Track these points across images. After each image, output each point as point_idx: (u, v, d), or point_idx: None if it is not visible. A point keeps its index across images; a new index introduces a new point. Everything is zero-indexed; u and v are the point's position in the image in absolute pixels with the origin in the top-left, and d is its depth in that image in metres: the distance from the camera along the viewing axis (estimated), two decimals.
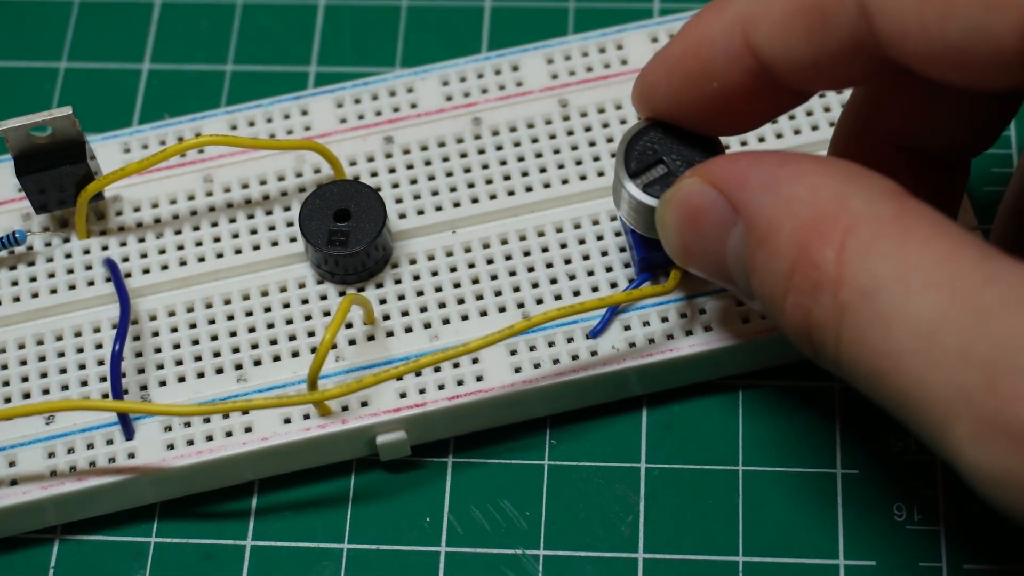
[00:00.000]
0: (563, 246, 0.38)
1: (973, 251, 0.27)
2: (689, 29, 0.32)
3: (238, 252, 0.38)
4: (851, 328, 0.27)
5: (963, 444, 0.26)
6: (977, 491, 0.26)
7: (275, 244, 0.38)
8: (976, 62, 0.27)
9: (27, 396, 0.37)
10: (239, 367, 0.37)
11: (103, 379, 0.37)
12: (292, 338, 0.37)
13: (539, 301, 0.37)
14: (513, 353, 0.36)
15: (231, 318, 0.37)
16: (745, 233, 0.30)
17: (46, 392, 0.37)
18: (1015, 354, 0.25)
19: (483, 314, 0.37)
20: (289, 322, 0.37)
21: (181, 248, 0.38)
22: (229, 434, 0.36)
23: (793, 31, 0.30)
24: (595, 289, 0.37)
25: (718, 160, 0.31)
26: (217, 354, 0.37)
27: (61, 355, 0.37)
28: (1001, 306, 0.26)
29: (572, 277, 0.37)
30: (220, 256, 0.38)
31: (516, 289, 0.37)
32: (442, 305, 0.37)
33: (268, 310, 0.37)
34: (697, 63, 0.32)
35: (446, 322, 0.37)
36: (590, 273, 0.37)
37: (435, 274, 0.38)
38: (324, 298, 0.38)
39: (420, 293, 0.37)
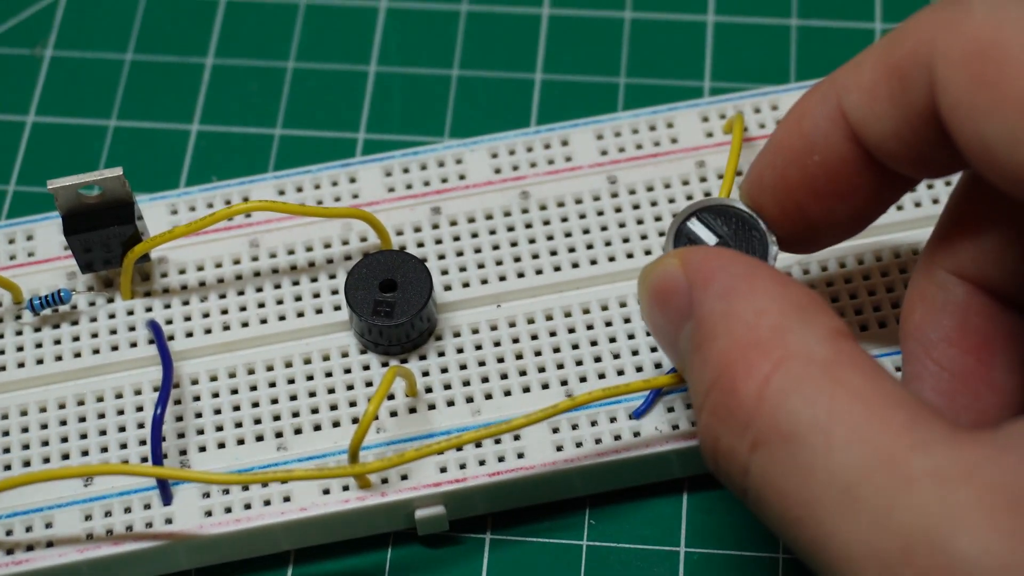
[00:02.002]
0: (608, 324, 0.38)
1: (904, 412, 0.26)
2: (791, 109, 0.32)
3: (282, 319, 0.38)
4: (762, 467, 0.27)
5: None
6: None
7: (319, 312, 0.38)
8: (1005, 169, 0.27)
9: (66, 457, 0.37)
10: (279, 435, 0.37)
11: (143, 442, 0.37)
12: (334, 407, 0.37)
13: (583, 379, 0.37)
14: (555, 431, 0.36)
15: (273, 385, 0.37)
16: (692, 330, 0.29)
17: (85, 453, 0.37)
18: (935, 528, 0.25)
19: (526, 390, 0.37)
20: (331, 391, 0.37)
21: (225, 312, 0.38)
22: (267, 503, 0.36)
23: (878, 98, 0.30)
24: (639, 369, 0.37)
25: (699, 250, 0.31)
26: (258, 421, 0.37)
27: (101, 416, 0.37)
28: (926, 476, 0.25)
29: (616, 356, 0.37)
30: (264, 322, 0.38)
31: (560, 366, 0.37)
32: (485, 379, 0.37)
33: (310, 378, 0.37)
34: (798, 138, 0.31)
35: (488, 397, 0.37)
36: (634, 353, 0.37)
37: (479, 348, 0.38)
38: (367, 368, 0.37)
39: (463, 367, 0.37)
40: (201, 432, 0.37)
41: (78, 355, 0.38)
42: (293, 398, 0.37)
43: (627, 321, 0.38)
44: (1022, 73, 0.26)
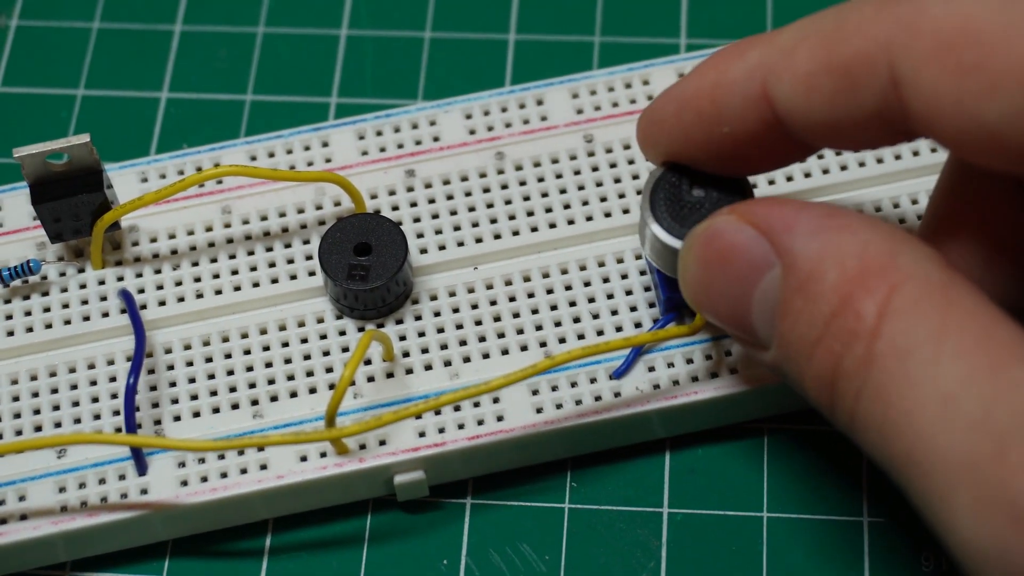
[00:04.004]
0: (587, 284, 0.37)
1: (1011, 331, 0.26)
2: (705, 69, 0.32)
3: (256, 285, 0.38)
4: (875, 382, 0.27)
5: (961, 514, 0.25)
6: (966, 569, 0.25)
7: (294, 278, 0.38)
8: (1012, 147, 0.27)
9: (39, 429, 0.36)
10: (255, 403, 0.36)
11: (116, 412, 0.36)
12: (310, 374, 0.36)
13: (562, 340, 0.36)
14: (535, 393, 0.36)
15: (248, 352, 0.37)
16: (783, 276, 0.29)
17: (58, 425, 0.36)
18: None
19: (504, 352, 0.36)
20: (307, 357, 0.37)
21: (198, 280, 0.38)
22: (244, 471, 0.35)
23: (816, 90, 0.29)
24: (619, 329, 0.37)
25: (762, 201, 0.30)
26: (233, 389, 0.36)
27: (74, 387, 0.37)
28: None
29: (596, 316, 0.37)
30: (238, 289, 0.38)
31: (538, 327, 0.37)
32: (463, 342, 0.37)
33: (286, 345, 0.37)
34: (711, 105, 0.31)
35: (467, 360, 0.36)
36: (614, 312, 0.37)
37: (456, 311, 0.37)
38: (343, 333, 0.37)
39: (441, 330, 0.37)
40: (176, 401, 0.36)
41: (49, 326, 0.37)
42: (268, 365, 0.37)
43: (606, 280, 0.37)
44: (1008, 50, 0.26)
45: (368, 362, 0.36)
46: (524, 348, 0.36)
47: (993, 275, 0.31)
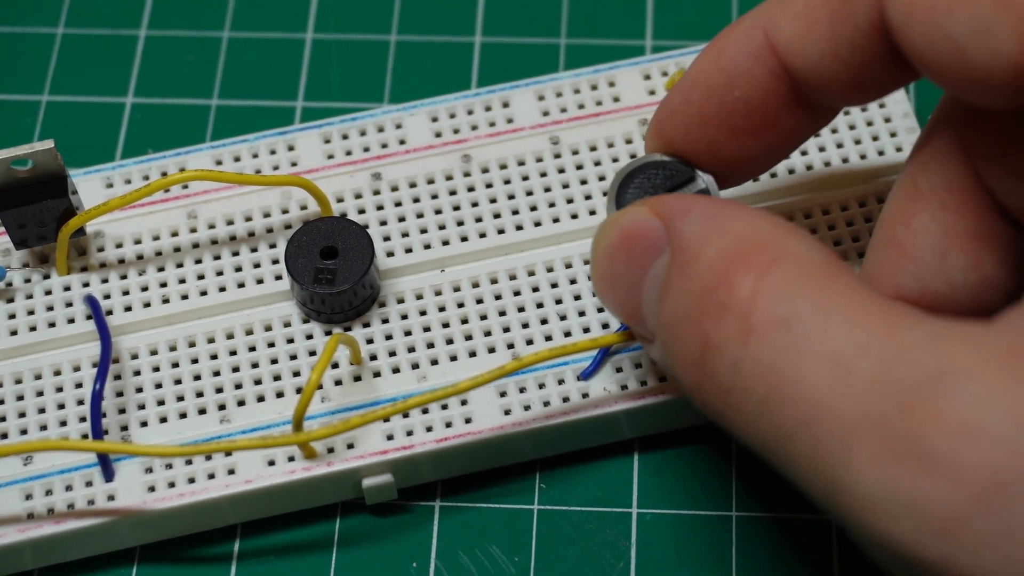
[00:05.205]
0: (554, 286, 0.37)
1: (899, 305, 0.26)
2: (706, 50, 0.32)
3: (222, 290, 0.37)
4: (755, 353, 0.27)
5: (863, 471, 0.25)
6: (866, 527, 0.25)
7: (260, 282, 0.37)
8: (974, 65, 0.26)
9: (4, 436, 0.36)
10: (222, 407, 0.36)
11: (83, 419, 0.36)
12: (277, 378, 0.36)
13: (529, 342, 0.36)
14: (503, 395, 0.36)
15: (214, 357, 0.37)
16: (669, 259, 0.29)
17: (24, 432, 0.36)
18: (935, 379, 0.24)
19: (472, 355, 0.36)
20: (274, 361, 0.36)
21: (164, 285, 0.38)
22: (211, 476, 0.35)
23: (814, 23, 0.29)
24: (586, 330, 0.37)
25: (668, 195, 0.31)
26: (200, 394, 0.36)
27: (40, 394, 0.36)
28: (925, 340, 0.25)
29: (563, 317, 0.37)
30: (204, 294, 0.37)
31: (506, 329, 0.37)
32: (430, 345, 0.37)
33: (252, 349, 0.37)
34: (718, 74, 0.31)
35: (434, 363, 0.36)
36: (581, 313, 0.37)
37: (423, 313, 0.37)
38: (310, 337, 0.37)
39: (408, 333, 0.37)
40: (142, 407, 0.36)
41: (14, 333, 0.37)
42: (235, 370, 0.36)
43: (573, 282, 0.37)
44: None
45: (335, 365, 0.36)
46: (492, 350, 0.36)
47: (945, 266, 0.31)
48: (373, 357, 0.36)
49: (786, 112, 0.31)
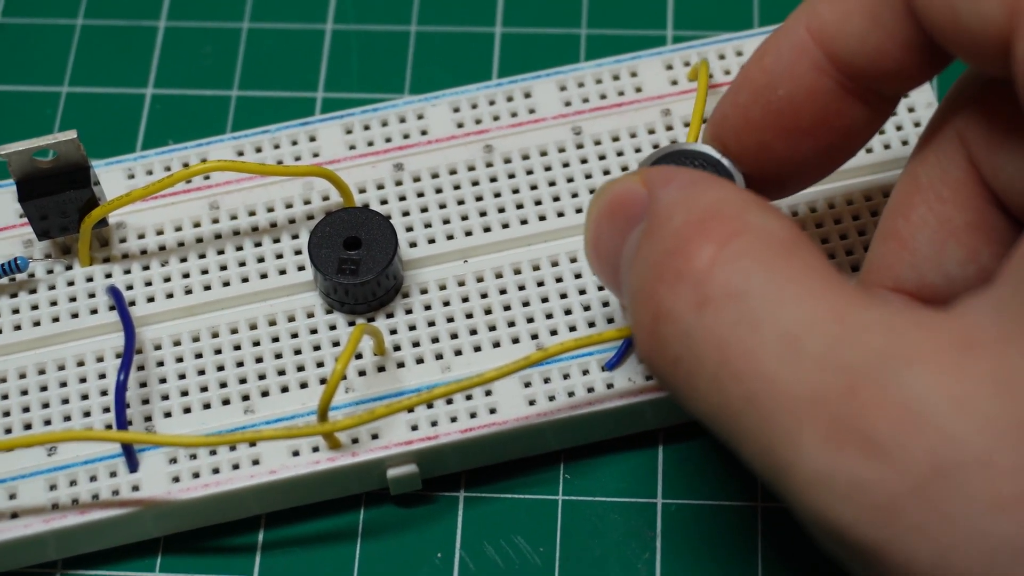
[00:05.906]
0: (578, 276, 0.37)
1: (855, 288, 0.26)
2: (752, 56, 0.32)
3: (245, 280, 0.37)
4: (709, 324, 0.26)
5: (808, 450, 0.24)
6: (808, 512, 0.25)
7: (283, 272, 0.37)
8: (964, 28, 0.26)
9: (28, 427, 0.36)
10: (246, 398, 0.36)
11: (107, 410, 0.36)
12: (300, 369, 0.36)
13: (553, 332, 0.36)
14: (527, 385, 0.36)
15: (238, 348, 0.37)
16: (645, 225, 0.29)
17: (48, 423, 0.36)
18: (883, 364, 0.24)
19: (496, 345, 0.36)
20: (297, 352, 0.36)
21: (187, 276, 0.38)
22: (236, 467, 0.35)
23: (854, 7, 0.29)
24: (610, 320, 0.36)
25: (662, 166, 0.31)
26: (224, 385, 0.36)
27: (63, 385, 0.36)
28: (876, 324, 0.25)
29: (587, 308, 0.37)
30: (227, 284, 0.37)
31: (530, 320, 0.37)
32: (454, 336, 0.37)
33: (276, 340, 0.37)
34: (762, 74, 0.31)
35: (458, 353, 0.36)
36: (605, 304, 0.37)
37: (447, 304, 0.37)
38: (333, 328, 0.37)
39: (432, 323, 0.37)
40: (166, 398, 0.36)
41: (37, 324, 0.37)
42: (259, 360, 0.36)
43: None
44: None
45: (359, 356, 0.36)
46: (516, 340, 0.36)
47: (943, 259, 0.30)
48: (397, 348, 0.36)
49: (837, 108, 0.31)
